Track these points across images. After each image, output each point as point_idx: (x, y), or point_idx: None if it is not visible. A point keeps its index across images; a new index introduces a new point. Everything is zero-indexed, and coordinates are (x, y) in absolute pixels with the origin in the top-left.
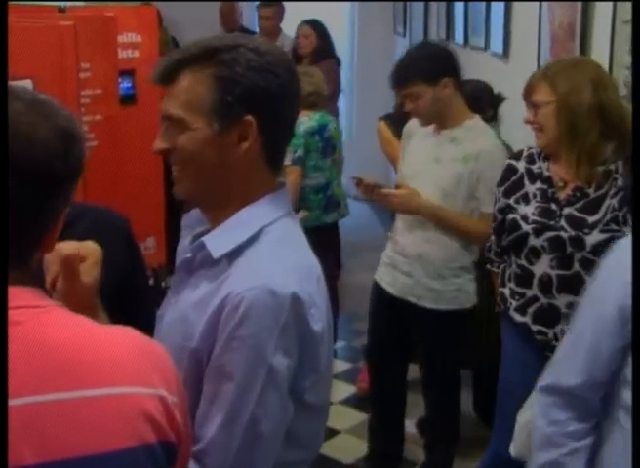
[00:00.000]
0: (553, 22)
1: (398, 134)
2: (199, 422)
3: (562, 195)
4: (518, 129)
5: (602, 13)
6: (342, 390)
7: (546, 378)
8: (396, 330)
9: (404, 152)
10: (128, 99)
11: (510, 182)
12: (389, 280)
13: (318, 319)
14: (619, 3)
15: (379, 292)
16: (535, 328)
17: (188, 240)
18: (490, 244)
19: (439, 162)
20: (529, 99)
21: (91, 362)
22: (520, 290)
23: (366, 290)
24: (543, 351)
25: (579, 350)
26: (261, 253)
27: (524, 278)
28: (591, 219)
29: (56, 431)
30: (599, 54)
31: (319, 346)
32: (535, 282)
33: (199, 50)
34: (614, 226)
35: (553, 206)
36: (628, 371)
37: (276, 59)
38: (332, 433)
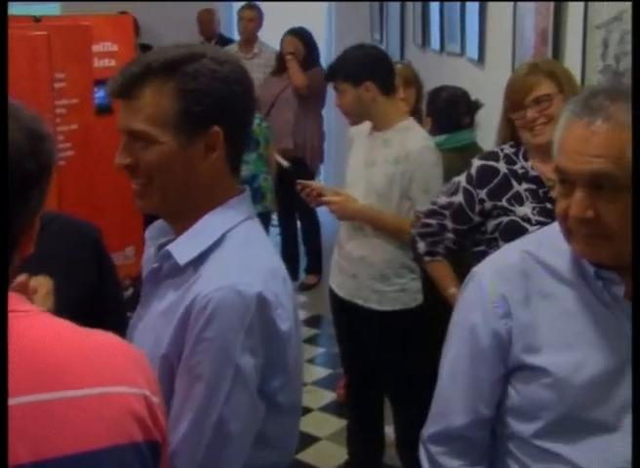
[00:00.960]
0: (527, 28)
1: None
2: (171, 425)
3: (554, 194)
4: (495, 134)
5: (574, 18)
6: (322, 397)
7: (430, 428)
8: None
9: (348, 158)
10: (104, 109)
11: (494, 184)
12: (338, 283)
13: (285, 319)
14: (590, 9)
15: (332, 296)
16: None
17: (153, 251)
18: (419, 240)
19: (373, 165)
20: (528, 98)
21: (76, 363)
22: None
23: None
24: None
25: (456, 389)
26: (227, 256)
27: None
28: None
29: (45, 431)
30: (572, 58)
31: (286, 346)
32: None
33: (160, 63)
34: None
35: (549, 205)
36: (510, 398)
37: (236, 69)
38: (312, 440)
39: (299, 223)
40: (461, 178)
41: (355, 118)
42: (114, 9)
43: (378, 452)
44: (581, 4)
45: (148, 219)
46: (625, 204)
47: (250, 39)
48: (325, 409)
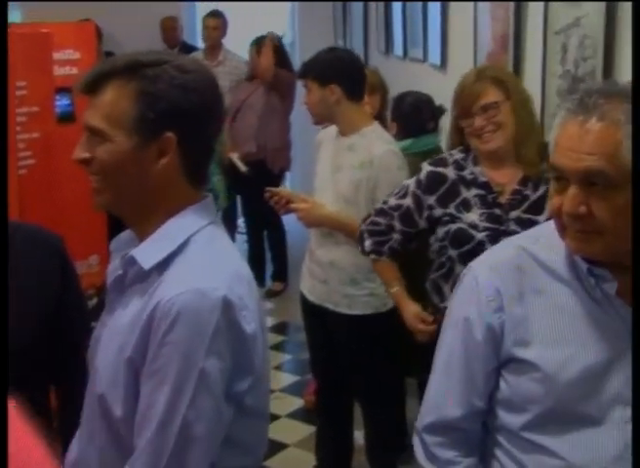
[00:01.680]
0: (488, 34)
1: None
2: (136, 430)
3: (502, 200)
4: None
5: (533, 24)
6: (290, 403)
7: (425, 418)
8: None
9: (315, 163)
10: (66, 117)
11: (443, 191)
12: (309, 288)
13: (250, 321)
14: (549, 15)
15: (303, 301)
16: None
17: (117, 261)
18: (367, 237)
19: (339, 170)
20: (477, 104)
21: None
22: None
23: None
24: None
25: (451, 381)
26: (190, 260)
27: None
28: (541, 219)
29: None
30: (532, 64)
31: (252, 348)
32: None
33: (124, 64)
34: None
35: (497, 211)
36: (501, 391)
37: (200, 78)
38: (280, 446)
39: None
40: (411, 183)
41: (318, 118)
42: (77, 16)
43: (347, 458)
44: (541, 10)
45: (112, 228)
46: (618, 201)
47: (214, 47)
48: (293, 415)
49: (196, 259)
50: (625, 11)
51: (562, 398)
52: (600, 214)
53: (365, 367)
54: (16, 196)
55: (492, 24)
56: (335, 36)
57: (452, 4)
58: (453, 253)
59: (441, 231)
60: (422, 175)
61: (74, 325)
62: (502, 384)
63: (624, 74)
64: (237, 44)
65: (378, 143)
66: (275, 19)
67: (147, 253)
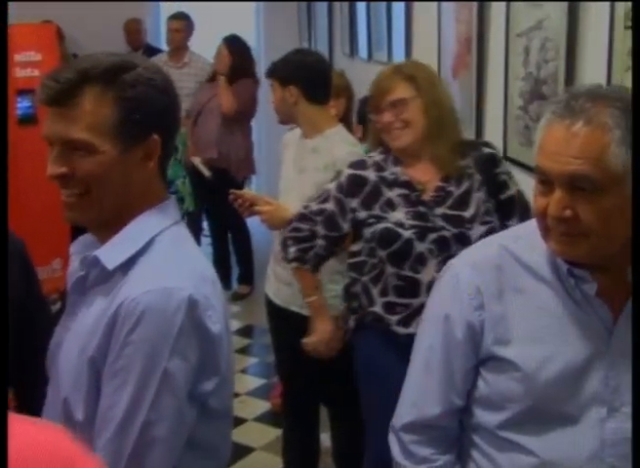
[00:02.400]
0: (452, 37)
1: None
2: (97, 430)
3: (426, 197)
4: None
5: (496, 27)
6: (256, 407)
7: (403, 417)
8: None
9: (281, 165)
10: (28, 119)
11: (365, 193)
12: (274, 291)
13: (216, 321)
14: (511, 17)
15: (269, 304)
16: None
17: (77, 264)
18: (290, 244)
19: (304, 172)
20: (385, 100)
21: None
22: (404, 301)
23: None
24: None
25: (430, 379)
26: (155, 260)
27: (409, 288)
28: (467, 214)
29: None
30: (495, 66)
31: (218, 348)
32: (423, 290)
33: (99, 71)
34: (488, 218)
35: (422, 209)
36: (479, 389)
37: (165, 77)
38: (246, 450)
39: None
40: (332, 187)
41: (281, 117)
42: (39, 17)
43: (314, 460)
44: (503, 12)
45: (75, 231)
46: (604, 205)
47: (179, 49)
48: (259, 419)
49: (161, 259)
50: (587, 13)
51: (540, 397)
52: (586, 217)
53: (331, 369)
54: None
55: (456, 26)
56: (300, 38)
57: (416, 6)
58: (382, 253)
59: (367, 232)
60: (343, 178)
61: (35, 328)
62: (481, 382)
63: (587, 76)
64: (202, 45)
65: (341, 146)
66: (240, 19)
67: (111, 253)
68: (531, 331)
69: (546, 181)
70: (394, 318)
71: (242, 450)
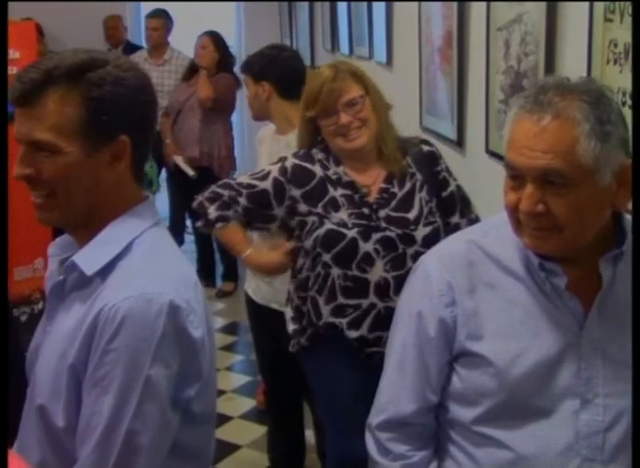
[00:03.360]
0: (432, 31)
1: None
2: (78, 439)
3: (370, 199)
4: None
5: (477, 21)
6: (241, 404)
7: (378, 416)
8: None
9: (257, 160)
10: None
11: (311, 187)
12: (253, 289)
13: (197, 325)
14: (491, 11)
15: (248, 302)
16: (372, 336)
17: (55, 266)
18: (208, 205)
19: None
20: (340, 101)
21: None
22: (354, 302)
23: None
24: (372, 358)
25: (405, 376)
26: (135, 264)
27: (358, 289)
28: (411, 216)
29: None
30: (476, 60)
31: (200, 353)
32: (371, 289)
33: (63, 70)
34: (432, 218)
35: (366, 210)
36: (453, 384)
37: (138, 75)
38: (232, 448)
39: None
40: (273, 168)
41: (255, 113)
42: (18, 15)
43: (299, 457)
44: (484, 7)
45: (57, 230)
46: (576, 198)
47: (158, 46)
48: (245, 416)
49: (140, 263)
50: (566, 7)
51: (514, 391)
52: (558, 211)
53: None
54: None
55: (437, 21)
56: (281, 34)
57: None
58: (326, 257)
59: (309, 241)
60: (288, 164)
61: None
62: (455, 378)
63: (566, 69)
64: (183, 42)
65: None
66: (221, 17)
67: (89, 258)
68: (503, 325)
69: (517, 176)
70: (345, 320)
71: (228, 448)
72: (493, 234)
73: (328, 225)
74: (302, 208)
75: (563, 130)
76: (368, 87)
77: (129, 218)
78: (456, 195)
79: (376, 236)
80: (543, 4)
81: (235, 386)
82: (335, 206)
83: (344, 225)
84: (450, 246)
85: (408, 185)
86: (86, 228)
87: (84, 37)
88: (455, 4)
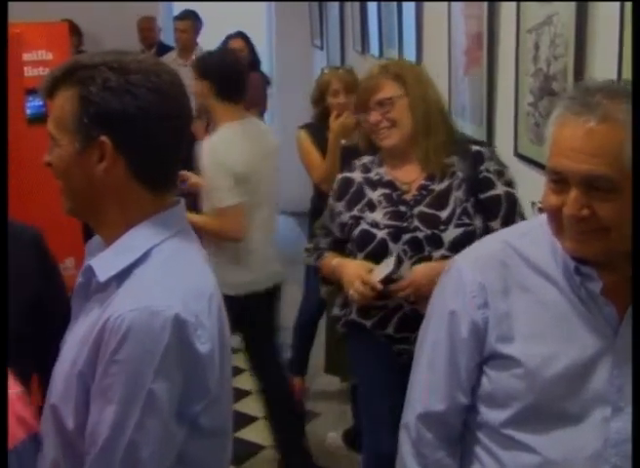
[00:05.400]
0: (463, 33)
1: (317, 143)
2: (87, 446)
3: (408, 197)
4: None
5: (506, 22)
6: None
7: (412, 413)
8: None
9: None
10: (39, 118)
11: (350, 194)
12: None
13: (205, 340)
14: (521, 11)
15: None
16: (399, 336)
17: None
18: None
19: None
20: (372, 99)
21: None
22: (381, 302)
23: (294, 303)
24: (401, 356)
25: (436, 375)
26: (147, 275)
27: (385, 289)
28: (443, 215)
29: None
30: (506, 62)
31: (207, 369)
32: None
33: (66, 68)
34: (466, 220)
35: (402, 208)
36: (482, 387)
37: (141, 80)
38: (257, 448)
39: None
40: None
41: (198, 107)
42: (56, 16)
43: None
44: (514, 8)
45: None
46: (620, 202)
47: (187, 47)
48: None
49: (153, 274)
50: (596, 8)
51: (543, 394)
52: (605, 214)
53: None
54: None
55: (466, 23)
56: (311, 36)
57: (426, 2)
58: (360, 256)
59: (350, 240)
60: (335, 183)
61: (55, 316)
62: (484, 380)
63: (596, 71)
64: (214, 42)
65: (213, 138)
66: (252, 18)
67: (105, 264)
68: (535, 328)
69: (560, 180)
70: (369, 322)
71: (253, 448)
72: (530, 236)
73: (362, 226)
74: (345, 217)
75: (610, 133)
76: (408, 88)
77: (151, 226)
78: (501, 199)
79: (405, 237)
80: (573, 4)
81: None
82: (371, 207)
83: (376, 226)
84: (484, 246)
85: (446, 183)
86: (108, 231)
87: (120, 38)
88: (485, 4)
